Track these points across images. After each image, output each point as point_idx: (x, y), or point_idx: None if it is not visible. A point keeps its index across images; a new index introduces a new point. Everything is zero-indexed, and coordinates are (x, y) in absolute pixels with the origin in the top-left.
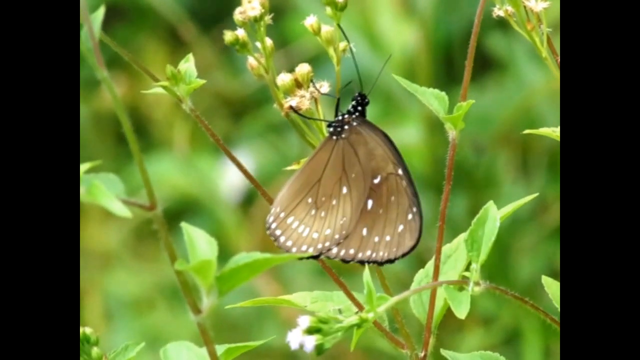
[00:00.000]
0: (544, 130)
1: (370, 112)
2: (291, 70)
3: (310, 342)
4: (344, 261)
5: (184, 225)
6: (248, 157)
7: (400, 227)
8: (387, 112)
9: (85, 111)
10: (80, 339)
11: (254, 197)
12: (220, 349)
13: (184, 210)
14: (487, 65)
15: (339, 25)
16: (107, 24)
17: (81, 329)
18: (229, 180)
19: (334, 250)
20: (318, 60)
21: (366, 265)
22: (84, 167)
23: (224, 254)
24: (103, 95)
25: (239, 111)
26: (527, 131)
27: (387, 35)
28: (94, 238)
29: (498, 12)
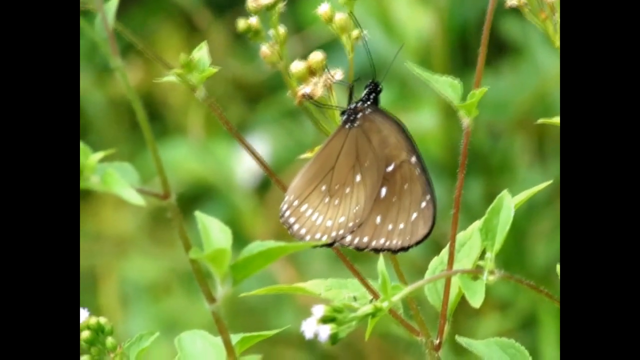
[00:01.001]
0: (558, 120)
1: (386, 98)
2: (306, 56)
3: (325, 332)
4: (358, 249)
5: (197, 214)
6: (264, 143)
7: (414, 215)
8: (403, 98)
9: (101, 96)
10: (91, 328)
11: (270, 182)
12: (236, 337)
13: (199, 195)
14: (502, 50)
15: (351, 13)
16: (122, 9)
17: (96, 319)
18: (244, 165)
19: (348, 238)
20: (333, 45)
21: (380, 253)
22: (97, 155)
23: (240, 240)
24: (119, 80)
25: (254, 97)
26: (540, 120)
27: (403, 22)
28: (110, 223)
29: (511, 2)
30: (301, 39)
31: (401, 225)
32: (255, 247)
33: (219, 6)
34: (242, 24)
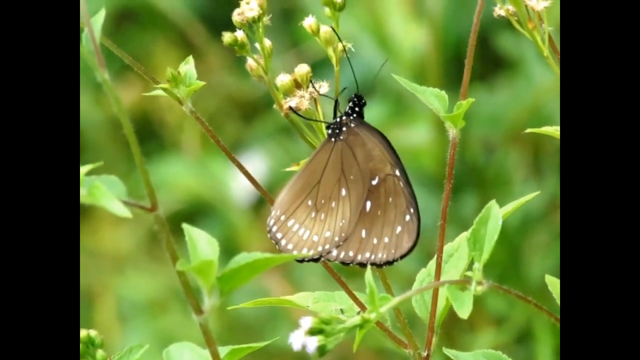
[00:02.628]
0: (546, 129)
1: (381, 113)
2: None
3: (313, 343)
4: (344, 263)
5: (185, 226)
6: (260, 159)
7: (398, 229)
8: (397, 113)
9: (99, 114)
10: (81, 341)
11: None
12: (226, 349)
13: (195, 212)
14: (498, 65)
15: (332, 28)
16: (117, 26)
17: (86, 332)
18: (240, 182)
19: (334, 252)
20: (329, 61)
21: (368, 266)
22: (85, 168)
23: (235, 256)
24: (106, 93)
25: (250, 113)
26: (529, 130)
27: (397, 36)
28: (108, 240)
29: (499, 11)
30: (298, 54)
31: (386, 239)
32: (242, 258)
33: (215, 23)
34: (227, 37)
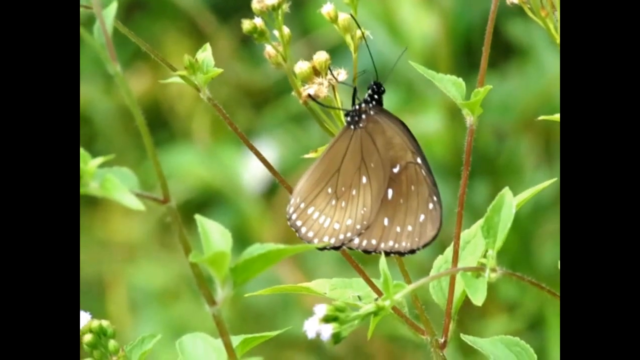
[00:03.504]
0: (558, 117)
1: (392, 101)
2: (311, 58)
3: (327, 331)
4: (366, 252)
5: (197, 217)
6: (271, 148)
7: (422, 217)
8: (409, 101)
9: (109, 104)
10: (93, 331)
11: (277, 187)
12: (238, 339)
13: (207, 201)
14: (509, 52)
15: (352, 15)
16: (127, 16)
17: (98, 322)
18: (252, 170)
19: (356, 240)
20: (340, 49)
21: (382, 253)
22: (97, 161)
23: (247, 245)
24: (118, 85)
25: (260, 102)
26: (541, 117)
27: (408, 25)
28: (119, 230)
29: (511, 0)
30: (308, 42)
31: (409, 227)
32: (255, 249)
33: (224, 12)
34: (247, 24)
